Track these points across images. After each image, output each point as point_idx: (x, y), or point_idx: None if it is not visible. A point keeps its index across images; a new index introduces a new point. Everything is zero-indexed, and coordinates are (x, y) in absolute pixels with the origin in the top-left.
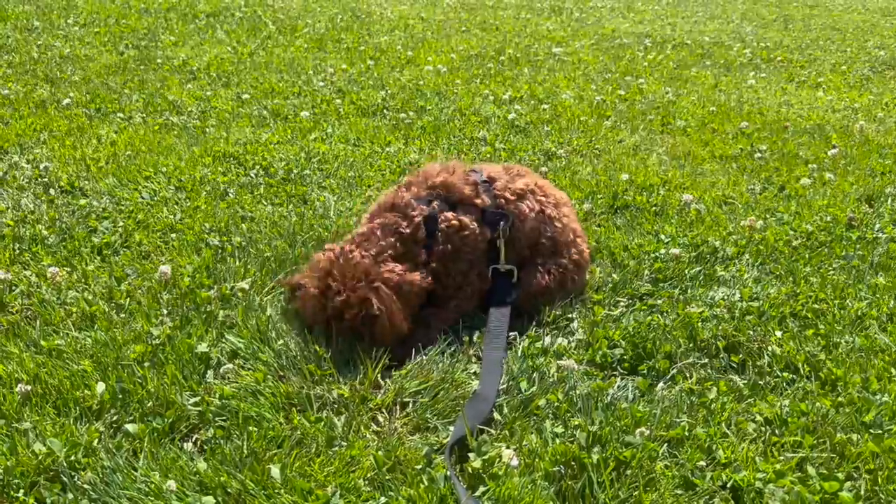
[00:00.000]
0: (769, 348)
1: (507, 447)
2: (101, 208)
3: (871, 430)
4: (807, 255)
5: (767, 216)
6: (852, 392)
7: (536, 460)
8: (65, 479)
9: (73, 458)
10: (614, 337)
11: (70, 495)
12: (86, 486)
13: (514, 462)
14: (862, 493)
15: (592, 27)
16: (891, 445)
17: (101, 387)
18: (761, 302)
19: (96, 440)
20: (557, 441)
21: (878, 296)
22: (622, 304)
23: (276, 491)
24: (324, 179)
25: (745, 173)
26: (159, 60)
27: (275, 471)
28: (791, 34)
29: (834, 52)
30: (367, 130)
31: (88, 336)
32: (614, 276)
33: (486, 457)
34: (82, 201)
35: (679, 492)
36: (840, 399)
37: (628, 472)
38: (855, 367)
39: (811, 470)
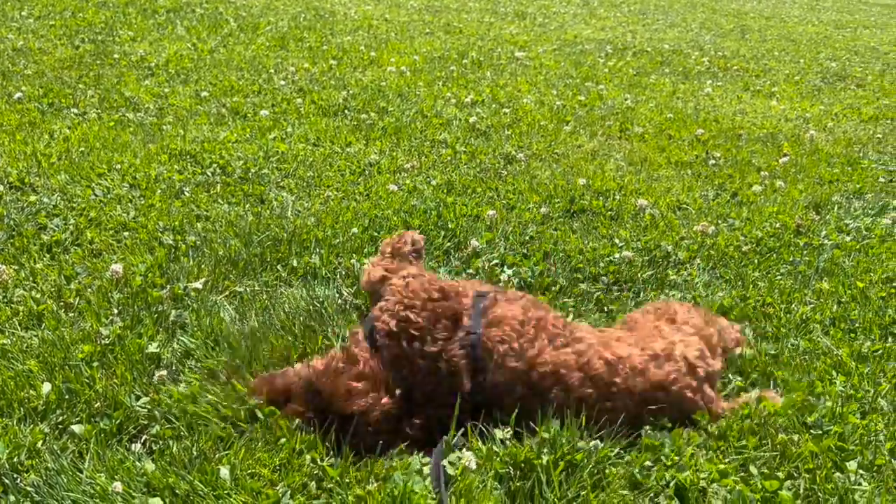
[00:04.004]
0: None
1: (467, 450)
2: (52, 205)
3: (812, 431)
4: (756, 261)
5: (719, 222)
6: (797, 396)
7: (488, 462)
8: (7, 481)
9: (15, 459)
10: None
11: (12, 497)
12: (29, 488)
13: (473, 465)
14: (801, 491)
15: (555, 32)
16: (829, 445)
17: (46, 387)
18: (711, 306)
19: (40, 441)
20: (510, 443)
21: (821, 300)
22: (570, 305)
23: (226, 492)
24: (282, 179)
25: (700, 179)
26: (116, 56)
27: (224, 471)
28: (747, 44)
29: (788, 63)
30: (328, 130)
31: (35, 335)
32: (561, 280)
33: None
34: (32, 198)
35: (625, 492)
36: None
37: (577, 473)
38: (800, 370)
39: (753, 469)
